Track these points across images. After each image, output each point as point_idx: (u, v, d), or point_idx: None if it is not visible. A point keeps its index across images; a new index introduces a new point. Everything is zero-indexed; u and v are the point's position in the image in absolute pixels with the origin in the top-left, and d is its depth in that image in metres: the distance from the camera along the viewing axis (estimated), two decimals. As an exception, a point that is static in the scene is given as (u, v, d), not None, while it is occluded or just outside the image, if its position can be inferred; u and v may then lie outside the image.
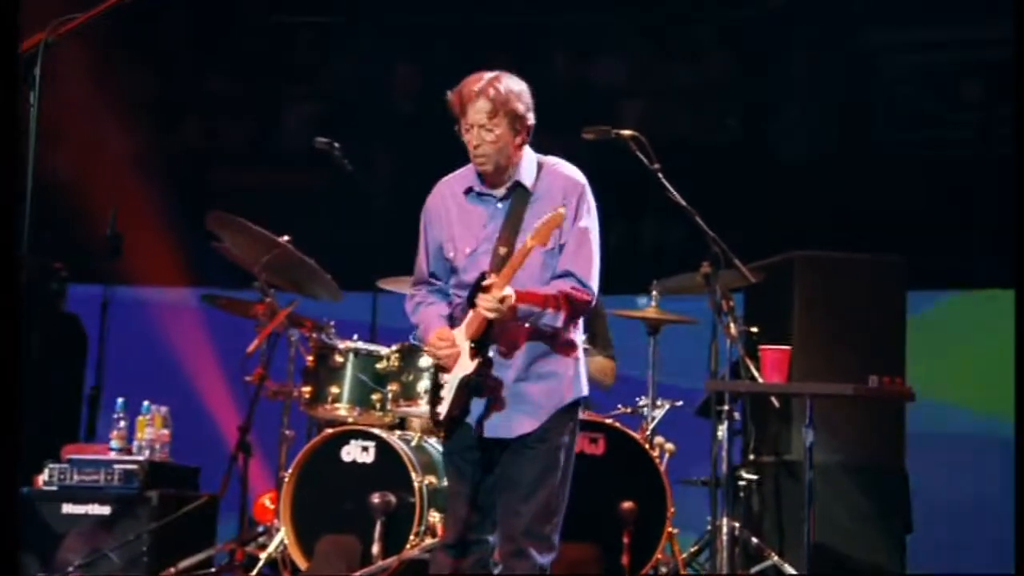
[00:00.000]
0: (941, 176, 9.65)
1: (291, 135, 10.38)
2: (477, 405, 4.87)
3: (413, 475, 6.77)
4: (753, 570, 7.11)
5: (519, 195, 4.90)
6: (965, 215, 9.47)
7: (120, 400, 7.36)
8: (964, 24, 9.78)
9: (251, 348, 6.94)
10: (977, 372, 8.95)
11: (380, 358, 7.01)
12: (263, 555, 6.93)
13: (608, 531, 6.70)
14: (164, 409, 7.37)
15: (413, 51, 10.35)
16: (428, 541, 6.70)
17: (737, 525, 7.01)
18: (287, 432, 7.32)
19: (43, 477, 7.15)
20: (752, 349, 6.58)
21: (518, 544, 4.82)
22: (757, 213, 9.37)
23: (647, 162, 6.26)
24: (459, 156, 5.00)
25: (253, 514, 7.41)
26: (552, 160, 4.99)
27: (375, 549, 6.69)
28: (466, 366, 4.80)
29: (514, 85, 4.88)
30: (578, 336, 5.00)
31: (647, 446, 6.88)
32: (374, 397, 7.02)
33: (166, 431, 7.34)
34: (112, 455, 7.24)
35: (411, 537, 6.72)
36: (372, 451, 6.89)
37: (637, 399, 7.25)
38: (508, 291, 4.70)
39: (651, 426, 7.11)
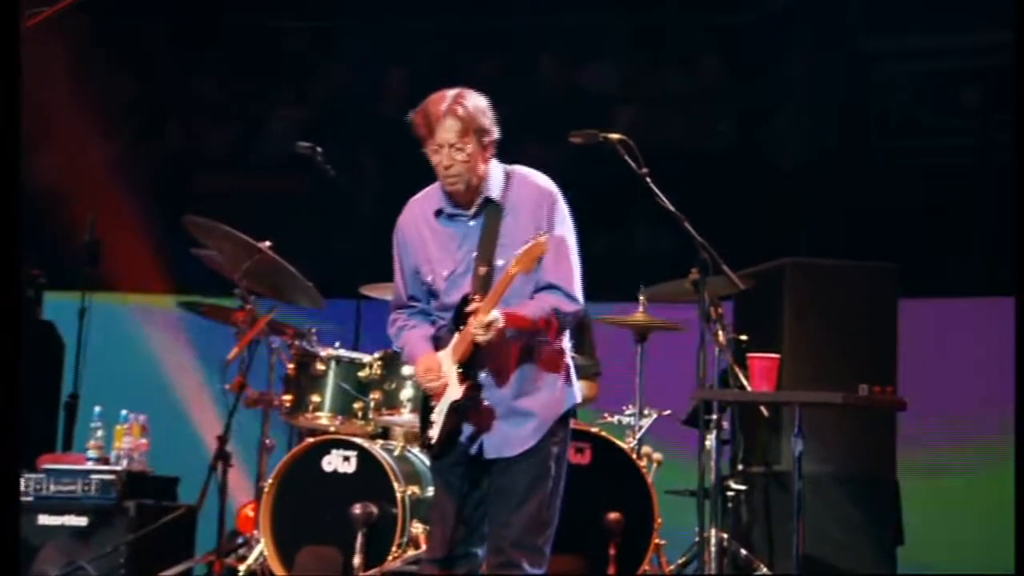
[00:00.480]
0: (938, 183, 9.63)
1: (276, 140, 10.30)
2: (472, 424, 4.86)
3: (396, 485, 6.71)
4: (742, 582, 7.05)
5: (491, 211, 4.87)
6: (962, 222, 9.44)
7: (97, 409, 7.30)
8: (961, 31, 9.78)
9: (231, 355, 6.85)
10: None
11: (362, 366, 6.97)
12: (242, 567, 6.87)
13: (594, 542, 6.66)
14: (143, 418, 7.32)
15: (401, 56, 10.28)
16: (411, 553, 6.65)
17: (726, 536, 6.97)
18: (267, 441, 7.24)
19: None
20: (741, 357, 6.54)
21: (507, 556, 4.79)
22: (751, 220, 9.36)
23: (635, 166, 6.19)
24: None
25: (237, 525, 7.38)
26: (520, 170, 4.96)
27: (356, 561, 6.63)
28: (455, 391, 4.80)
29: (479, 101, 4.85)
30: (567, 343, 4.98)
31: (634, 456, 6.83)
32: (356, 406, 6.96)
33: (144, 440, 7.29)
34: (89, 465, 7.18)
35: (393, 548, 6.66)
36: (354, 461, 6.83)
37: (624, 408, 7.20)
38: (495, 315, 4.67)
39: (638, 435, 7.07)
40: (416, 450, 6.92)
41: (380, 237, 5.10)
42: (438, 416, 4.83)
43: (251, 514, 7.25)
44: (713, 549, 6.76)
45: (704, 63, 10.39)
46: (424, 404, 4.92)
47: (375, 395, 6.86)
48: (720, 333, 6.63)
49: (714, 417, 6.89)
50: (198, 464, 7.16)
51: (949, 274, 9.31)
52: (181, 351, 9.36)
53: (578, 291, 4.87)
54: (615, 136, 6.23)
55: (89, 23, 9.03)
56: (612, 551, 6.64)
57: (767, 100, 10.25)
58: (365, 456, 6.80)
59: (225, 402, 6.83)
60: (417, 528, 6.69)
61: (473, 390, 4.79)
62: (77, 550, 6.93)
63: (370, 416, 6.91)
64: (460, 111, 4.76)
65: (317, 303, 7.21)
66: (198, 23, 10.32)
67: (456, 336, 4.79)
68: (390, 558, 6.63)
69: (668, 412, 7.24)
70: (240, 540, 7.11)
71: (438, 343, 4.91)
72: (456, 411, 4.81)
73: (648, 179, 6.20)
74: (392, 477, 6.72)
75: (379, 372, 6.86)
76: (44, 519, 7.02)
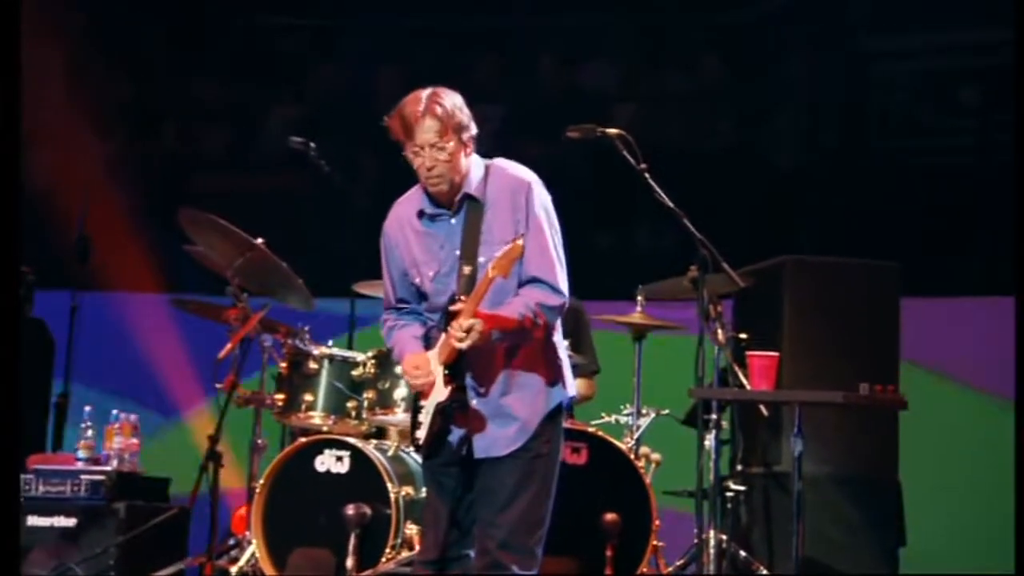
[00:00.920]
0: (938, 183, 9.61)
1: (273, 140, 10.26)
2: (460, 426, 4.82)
3: (389, 486, 6.65)
4: (741, 584, 6.99)
5: (471, 207, 4.82)
6: (963, 221, 9.41)
7: (87, 408, 7.24)
8: (961, 29, 9.76)
9: (222, 354, 6.77)
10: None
11: (356, 365, 6.89)
12: (234, 569, 6.81)
13: (591, 544, 6.61)
14: (133, 417, 7.25)
15: (398, 54, 10.24)
16: (404, 554, 6.59)
17: (724, 538, 6.92)
18: (259, 441, 7.18)
19: (7, 488, 6.99)
20: (741, 356, 6.52)
21: (493, 557, 4.73)
22: (751, 220, 9.36)
23: (633, 162, 6.16)
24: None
25: (231, 526, 7.33)
26: (498, 162, 4.91)
27: (349, 563, 6.56)
28: (441, 392, 4.76)
29: (455, 98, 4.79)
30: (558, 336, 4.91)
31: (632, 456, 6.78)
32: (349, 405, 6.89)
33: (135, 440, 7.21)
34: (79, 465, 7.11)
35: (387, 550, 6.59)
36: (347, 461, 6.76)
37: (622, 407, 7.15)
38: (472, 321, 4.62)
39: (636, 435, 7.01)
40: (410, 450, 6.84)
41: (375, 235, 5.06)
42: (425, 417, 4.80)
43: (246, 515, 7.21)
44: (712, 551, 6.73)
45: (704, 63, 10.39)
46: (414, 404, 4.88)
47: (369, 394, 6.79)
48: (719, 331, 6.60)
49: (713, 417, 6.83)
50: (190, 464, 7.10)
51: (949, 274, 9.28)
52: (173, 350, 9.31)
53: (562, 282, 4.80)
54: (613, 131, 6.22)
55: (86, 21, 9.01)
56: (609, 553, 6.59)
57: (767, 100, 10.23)
58: (358, 456, 6.73)
59: (218, 401, 6.77)
60: (411, 529, 6.63)
61: (458, 392, 4.75)
62: (66, 552, 6.87)
63: (364, 415, 6.85)
64: (438, 110, 4.71)
65: (308, 304, 7.14)
66: (194, 22, 10.29)
67: (443, 337, 4.75)
68: (383, 560, 6.56)
69: (666, 411, 7.20)
70: (232, 541, 7.05)
71: (429, 342, 4.86)
72: (442, 413, 4.77)
73: (647, 174, 6.17)
74: (386, 478, 6.66)
75: (373, 371, 6.79)
76: (33, 520, 6.94)
